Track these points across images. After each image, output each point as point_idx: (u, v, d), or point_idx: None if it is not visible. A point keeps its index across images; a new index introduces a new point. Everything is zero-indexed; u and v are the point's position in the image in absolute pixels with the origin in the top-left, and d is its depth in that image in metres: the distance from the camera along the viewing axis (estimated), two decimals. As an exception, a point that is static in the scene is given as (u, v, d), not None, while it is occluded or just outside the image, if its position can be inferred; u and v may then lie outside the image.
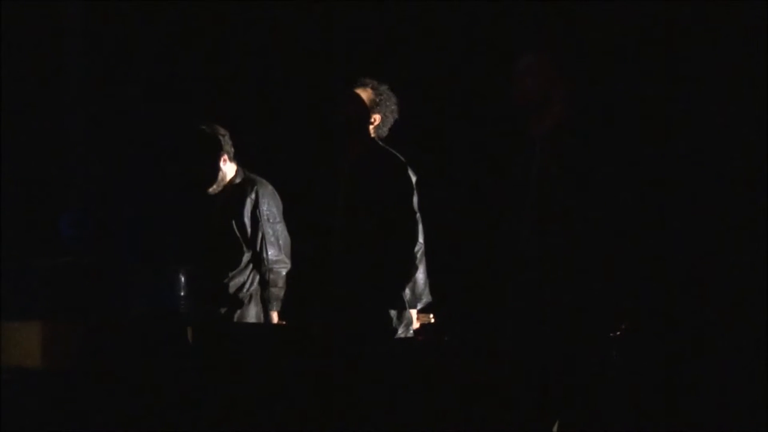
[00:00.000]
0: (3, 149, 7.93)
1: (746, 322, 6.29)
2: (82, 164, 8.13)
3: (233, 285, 6.21)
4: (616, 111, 6.31)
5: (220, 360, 5.53)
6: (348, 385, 5.23)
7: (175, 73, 7.85)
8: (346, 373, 5.25)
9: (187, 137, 6.35)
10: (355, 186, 5.53)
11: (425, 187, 5.64)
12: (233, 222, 6.21)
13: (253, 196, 6.22)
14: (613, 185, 4.65)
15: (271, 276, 6.15)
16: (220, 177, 6.29)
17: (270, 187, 6.31)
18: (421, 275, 5.77)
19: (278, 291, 6.19)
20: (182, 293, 6.01)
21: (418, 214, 5.58)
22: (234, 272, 6.21)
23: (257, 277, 6.21)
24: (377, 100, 5.64)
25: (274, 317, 6.19)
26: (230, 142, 6.31)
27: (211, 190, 6.29)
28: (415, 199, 5.55)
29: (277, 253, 6.19)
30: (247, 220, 6.20)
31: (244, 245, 6.20)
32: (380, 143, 5.64)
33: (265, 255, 6.16)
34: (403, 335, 5.49)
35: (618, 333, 4.72)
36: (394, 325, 5.46)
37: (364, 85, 5.67)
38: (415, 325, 5.73)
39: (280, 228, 6.25)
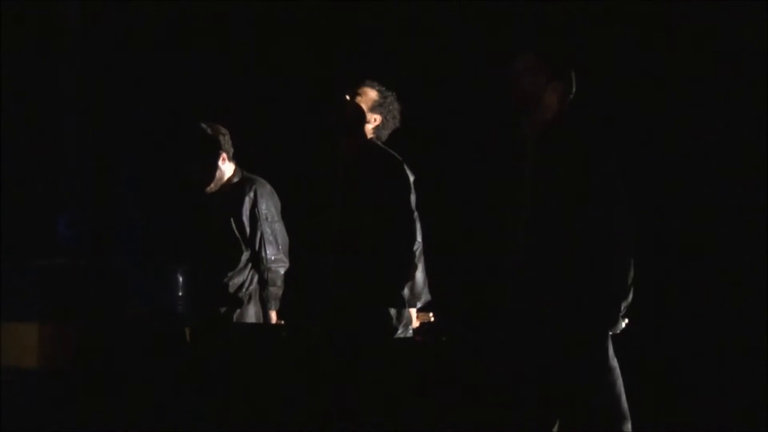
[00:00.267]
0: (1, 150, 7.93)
1: (746, 322, 6.29)
2: (80, 164, 8.12)
3: (232, 285, 6.20)
4: (610, 111, 6.31)
5: (219, 360, 5.51)
6: (347, 385, 5.21)
7: (174, 72, 7.85)
8: (345, 373, 5.23)
9: (187, 136, 6.34)
10: (354, 185, 5.52)
11: (423, 186, 5.62)
12: (232, 221, 6.20)
13: (251, 195, 6.22)
14: (607, 185, 4.64)
15: (270, 275, 6.15)
16: (218, 176, 6.28)
17: (268, 187, 6.30)
18: (420, 274, 5.76)
19: (277, 290, 6.18)
20: (180, 293, 5.99)
21: (416, 213, 5.57)
22: (233, 272, 6.20)
23: (256, 277, 6.21)
24: (381, 101, 5.63)
25: (273, 317, 6.18)
26: (230, 142, 6.30)
27: (208, 189, 6.28)
28: (413, 198, 5.53)
29: (275, 253, 6.19)
30: (245, 220, 6.19)
31: (242, 244, 6.19)
32: (378, 143, 5.62)
33: (263, 254, 6.16)
34: (402, 335, 5.48)
35: (617, 333, 4.72)
36: (393, 324, 5.44)
37: (371, 86, 5.66)
38: (415, 324, 5.72)
39: (279, 227, 6.25)
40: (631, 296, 4.68)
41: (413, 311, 5.73)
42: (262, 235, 6.17)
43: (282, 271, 6.20)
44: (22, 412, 5.72)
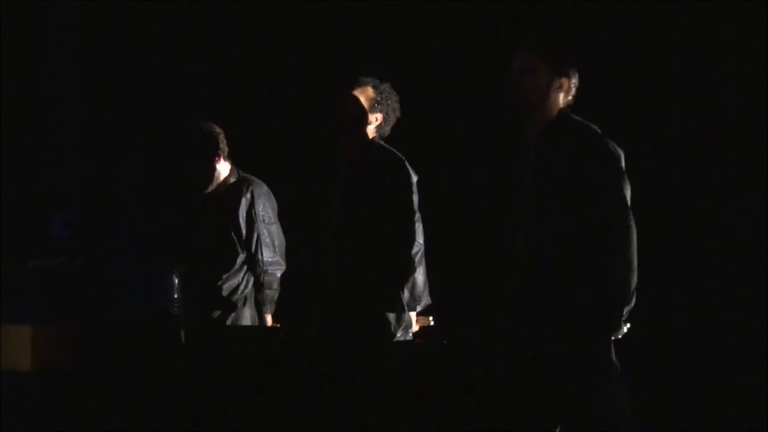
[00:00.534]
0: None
1: (746, 322, 6.28)
2: (76, 166, 8.11)
3: (227, 287, 6.15)
4: (610, 111, 6.28)
5: (214, 363, 5.48)
6: (346, 389, 5.18)
7: (172, 72, 7.84)
8: (344, 377, 5.20)
9: (183, 136, 6.30)
10: (354, 185, 5.48)
11: (423, 186, 5.58)
12: (228, 223, 6.16)
13: (248, 196, 6.17)
14: (609, 185, 4.61)
15: (266, 278, 6.11)
16: (214, 176, 6.24)
17: (265, 187, 6.26)
18: (420, 277, 5.72)
19: (273, 293, 6.14)
20: (176, 295, 5.97)
21: (418, 214, 5.53)
22: (228, 274, 6.14)
23: (252, 279, 6.16)
24: (378, 98, 5.58)
25: (269, 320, 6.14)
26: (225, 141, 6.26)
27: (205, 189, 6.25)
28: (416, 199, 5.49)
29: (272, 255, 6.14)
30: (242, 221, 6.15)
31: (238, 246, 6.15)
32: (380, 142, 5.58)
33: (259, 256, 6.11)
34: (401, 338, 5.44)
35: (618, 335, 4.69)
36: (392, 328, 5.41)
37: (364, 84, 5.61)
38: (414, 327, 5.68)
39: (275, 229, 6.21)
40: (634, 300, 4.62)
41: (413, 315, 5.69)
42: (258, 237, 6.12)
43: (278, 273, 6.16)
44: (18, 414, 5.71)
